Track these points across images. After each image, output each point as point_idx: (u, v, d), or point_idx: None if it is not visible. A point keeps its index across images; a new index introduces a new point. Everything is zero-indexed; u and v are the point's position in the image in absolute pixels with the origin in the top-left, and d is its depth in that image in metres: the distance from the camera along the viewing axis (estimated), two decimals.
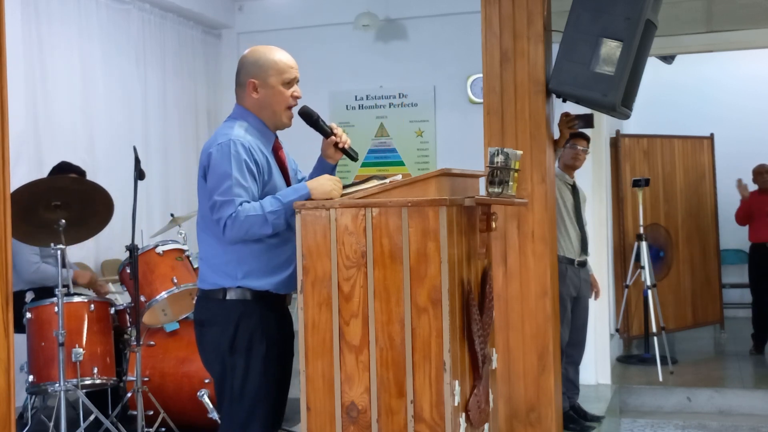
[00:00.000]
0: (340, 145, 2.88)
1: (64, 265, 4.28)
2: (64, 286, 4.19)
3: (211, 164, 2.73)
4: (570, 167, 5.20)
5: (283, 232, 2.78)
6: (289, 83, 2.85)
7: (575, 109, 4.44)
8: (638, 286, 7.00)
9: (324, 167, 2.94)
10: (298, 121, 2.92)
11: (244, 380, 2.76)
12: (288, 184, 2.89)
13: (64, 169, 5.00)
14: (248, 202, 2.67)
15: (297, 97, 2.88)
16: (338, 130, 2.89)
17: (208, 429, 4.59)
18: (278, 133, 2.95)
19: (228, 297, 2.77)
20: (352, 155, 2.92)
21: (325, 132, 2.89)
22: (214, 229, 2.74)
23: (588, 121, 4.90)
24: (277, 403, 2.89)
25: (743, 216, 7.65)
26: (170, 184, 7.22)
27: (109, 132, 6.51)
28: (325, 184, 2.70)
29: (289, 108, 2.87)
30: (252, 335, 2.76)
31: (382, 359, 2.54)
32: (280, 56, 2.86)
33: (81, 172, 5.05)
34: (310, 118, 2.88)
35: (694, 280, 7.88)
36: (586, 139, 5.27)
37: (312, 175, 2.97)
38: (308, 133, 3.02)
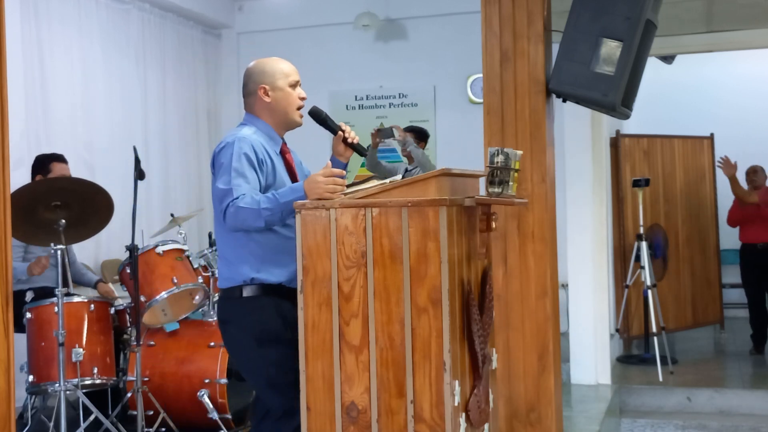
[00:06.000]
0: (349, 140, 3.01)
1: (64, 265, 4.28)
2: (64, 286, 4.20)
3: (215, 160, 2.90)
4: None
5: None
6: (295, 85, 3.05)
7: (574, 108, 4.44)
8: (638, 286, 6.98)
9: (336, 165, 3.01)
10: (306, 122, 3.09)
11: (279, 368, 2.82)
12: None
13: (46, 160, 4.99)
14: (246, 194, 2.77)
15: (303, 98, 3.07)
16: (346, 128, 3.04)
17: (208, 429, 4.59)
18: (293, 134, 3.11)
19: (244, 294, 2.86)
20: (361, 150, 3.05)
21: (333, 130, 3.04)
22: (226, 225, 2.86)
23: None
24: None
25: (739, 219, 7.52)
26: (170, 184, 7.22)
27: (109, 132, 6.50)
28: (319, 186, 2.70)
29: (299, 108, 3.05)
30: (274, 325, 2.84)
31: (382, 359, 2.54)
32: (284, 63, 3.08)
33: (59, 158, 5.03)
34: (318, 116, 3.03)
35: (694, 280, 7.86)
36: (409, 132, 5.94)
37: None
38: (316, 134, 3.11)
